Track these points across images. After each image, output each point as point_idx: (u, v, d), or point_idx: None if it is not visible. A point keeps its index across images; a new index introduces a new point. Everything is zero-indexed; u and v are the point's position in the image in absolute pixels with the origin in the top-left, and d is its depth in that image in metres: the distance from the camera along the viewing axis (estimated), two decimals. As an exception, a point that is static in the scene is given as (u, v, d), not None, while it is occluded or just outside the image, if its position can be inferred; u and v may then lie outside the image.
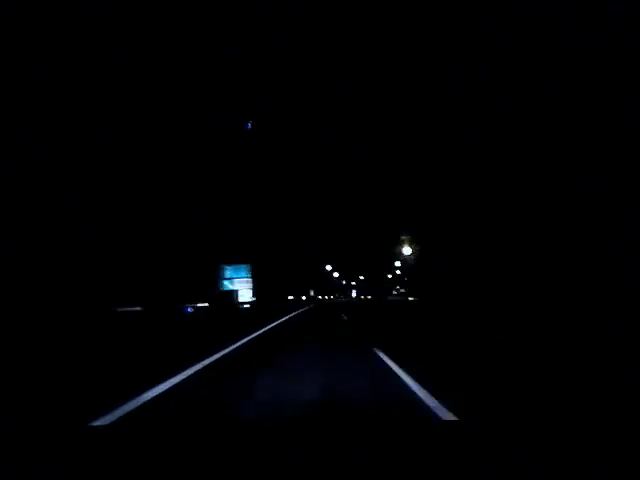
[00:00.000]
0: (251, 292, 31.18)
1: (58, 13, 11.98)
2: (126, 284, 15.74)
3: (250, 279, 31.19)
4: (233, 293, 30.21)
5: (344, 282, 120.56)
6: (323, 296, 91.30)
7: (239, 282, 30.86)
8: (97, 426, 2.77)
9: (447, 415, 2.97)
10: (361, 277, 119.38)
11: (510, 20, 15.78)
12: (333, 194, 56.15)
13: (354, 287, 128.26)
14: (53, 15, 11.91)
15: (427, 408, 3.22)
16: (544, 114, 15.39)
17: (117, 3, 14.29)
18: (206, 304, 23.52)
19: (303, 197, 48.85)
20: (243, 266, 31.20)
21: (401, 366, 5.06)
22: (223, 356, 6.48)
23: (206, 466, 1.19)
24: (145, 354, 7.20)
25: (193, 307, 21.13)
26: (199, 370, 5.19)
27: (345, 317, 18.10)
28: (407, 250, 40.63)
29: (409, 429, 2.09)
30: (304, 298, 63.08)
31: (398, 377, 4.54)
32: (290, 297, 52.88)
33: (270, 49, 24.88)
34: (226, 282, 30.63)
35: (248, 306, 29.67)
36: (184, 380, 4.57)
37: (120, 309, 14.60)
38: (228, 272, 30.73)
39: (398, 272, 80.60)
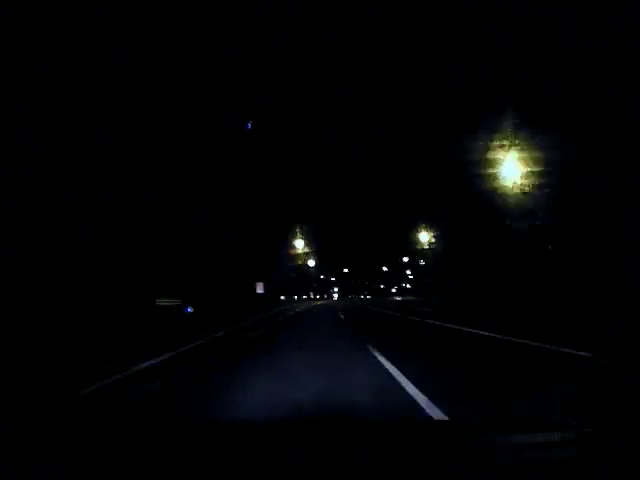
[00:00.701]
0: None
1: (58, 13, 11.97)
2: (125, 284, 15.72)
3: None
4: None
5: (322, 277, 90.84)
6: (292, 295, 60.74)
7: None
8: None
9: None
10: (345, 270, 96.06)
11: (510, 20, 15.79)
12: (333, 194, 55.94)
13: (335, 284, 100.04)
14: (53, 15, 11.90)
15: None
16: (544, 114, 15.39)
17: (117, 3, 14.28)
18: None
19: (302, 196, 48.78)
20: None
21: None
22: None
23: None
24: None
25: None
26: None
27: None
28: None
29: None
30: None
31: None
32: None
33: (270, 49, 24.91)
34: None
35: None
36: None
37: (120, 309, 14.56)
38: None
39: (405, 259, 63.65)
